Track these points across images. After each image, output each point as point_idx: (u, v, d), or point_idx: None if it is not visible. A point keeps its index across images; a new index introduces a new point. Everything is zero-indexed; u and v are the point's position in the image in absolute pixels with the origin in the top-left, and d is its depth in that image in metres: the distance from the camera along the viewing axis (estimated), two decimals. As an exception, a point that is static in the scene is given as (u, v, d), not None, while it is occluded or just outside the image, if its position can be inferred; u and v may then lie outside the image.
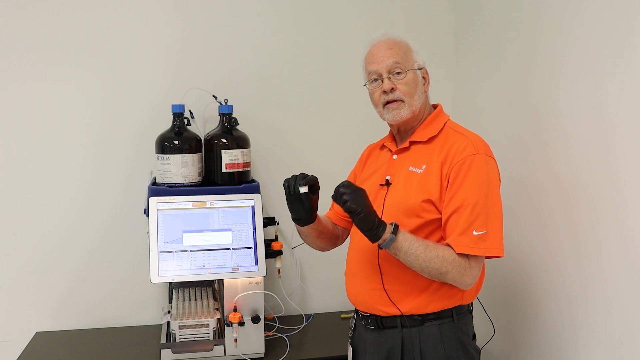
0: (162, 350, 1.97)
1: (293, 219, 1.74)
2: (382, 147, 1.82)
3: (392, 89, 1.65)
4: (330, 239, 1.87)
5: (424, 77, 1.71)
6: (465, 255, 1.55)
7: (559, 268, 1.83)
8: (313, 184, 1.65)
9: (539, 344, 1.95)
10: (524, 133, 2.01)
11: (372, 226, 1.52)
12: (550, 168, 1.87)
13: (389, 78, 1.66)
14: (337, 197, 1.52)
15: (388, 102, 1.67)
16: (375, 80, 1.69)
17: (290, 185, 1.63)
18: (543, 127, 1.90)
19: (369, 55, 1.71)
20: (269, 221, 2.22)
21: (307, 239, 1.84)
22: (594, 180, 1.67)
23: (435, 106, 1.77)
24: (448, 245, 1.56)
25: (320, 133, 2.48)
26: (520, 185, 2.01)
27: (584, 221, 1.72)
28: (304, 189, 1.60)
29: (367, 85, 1.73)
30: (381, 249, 1.56)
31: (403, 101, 1.66)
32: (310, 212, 1.70)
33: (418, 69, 1.69)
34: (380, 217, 1.64)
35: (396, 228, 1.54)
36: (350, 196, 1.50)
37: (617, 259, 1.60)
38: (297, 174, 1.65)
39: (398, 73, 1.65)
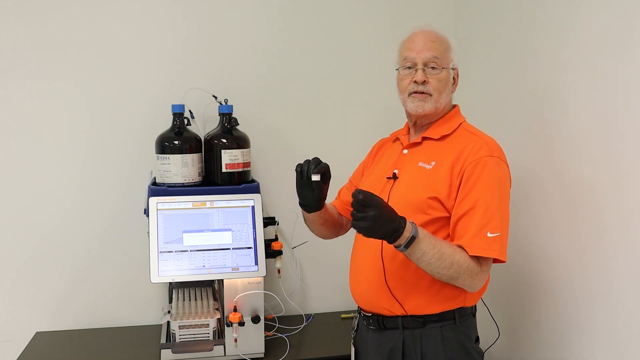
0: (162, 350, 1.97)
1: (300, 204, 1.73)
2: (395, 140, 1.81)
3: (425, 81, 1.64)
4: (334, 228, 1.87)
5: (454, 78, 1.71)
6: (477, 259, 1.53)
7: (565, 269, 1.81)
8: (325, 171, 1.64)
9: (544, 347, 1.93)
10: (526, 129, 2.00)
11: (387, 234, 1.44)
12: (554, 164, 1.84)
13: (424, 70, 1.64)
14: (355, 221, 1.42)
15: (415, 92, 1.65)
16: (409, 68, 1.67)
17: (303, 171, 1.62)
18: (546, 123, 1.88)
19: (408, 41, 1.69)
20: (269, 221, 2.22)
21: (311, 225, 1.84)
22: (601, 177, 1.64)
23: (454, 106, 1.76)
24: (460, 246, 1.54)
25: (321, 133, 2.48)
26: (524, 182, 1.99)
27: (591, 221, 1.69)
28: (316, 177, 1.59)
29: (399, 70, 1.71)
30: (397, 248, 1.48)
31: (431, 95, 1.64)
32: (319, 200, 1.69)
33: (452, 68, 1.68)
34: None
35: (415, 230, 1.46)
36: (364, 229, 1.42)
37: (624, 261, 1.57)
38: (311, 158, 1.63)
39: (433, 68, 1.64)
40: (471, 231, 1.53)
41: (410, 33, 1.70)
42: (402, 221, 1.45)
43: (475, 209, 1.53)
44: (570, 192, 1.78)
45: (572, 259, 1.78)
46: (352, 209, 1.43)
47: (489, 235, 1.52)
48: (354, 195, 1.41)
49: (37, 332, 2.27)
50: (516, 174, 1.99)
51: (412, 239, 1.46)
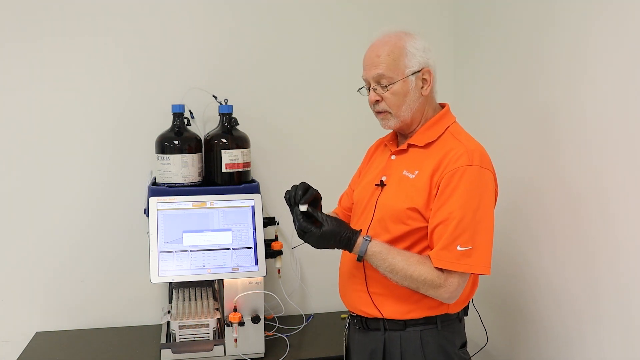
0: (162, 350, 1.97)
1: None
2: (385, 144, 1.79)
3: (377, 101, 1.62)
4: None
5: (424, 79, 1.62)
6: (441, 270, 1.51)
7: (565, 277, 1.79)
8: (313, 199, 1.62)
9: (539, 353, 1.93)
10: (527, 134, 1.99)
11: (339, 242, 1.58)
12: (557, 172, 1.82)
13: (375, 89, 1.61)
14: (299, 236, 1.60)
15: (376, 111, 1.65)
16: (368, 87, 1.65)
17: (291, 198, 1.61)
18: (550, 130, 1.86)
19: (363, 58, 1.66)
20: (269, 221, 2.22)
21: None
22: (611, 186, 1.59)
23: (443, 105, 1.70)
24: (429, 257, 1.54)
25: (321, 132, 2.48)
26: (524, 187, 1.98)
27: (597, 229, 1.64)
28: (303, 208, 1.58)
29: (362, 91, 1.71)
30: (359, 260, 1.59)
31: (390, 112, 1.62)
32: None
33: (412, 74, 1.59)
34: (371, 218, 1.64)
35: (366, 244, 1.56)
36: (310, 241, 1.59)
37: (635, 271, 1.53)
38: (297, 184, 1.62)
39: (384, 85, 1.60)
40: (441, 243, 1.51)
41: (367, 48, 1.67)
42: (351, 237, 1.57)
43: (448, 221, 1.50)
44: (574, 199, 1.74)
45: (575, 269, 1.75)
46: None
47: (459, 248, 1.49)
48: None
49: (37, 332, 2.27)
50: (513, 179, 1.98)
51: (360, 259, 1.57)
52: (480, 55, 2.33)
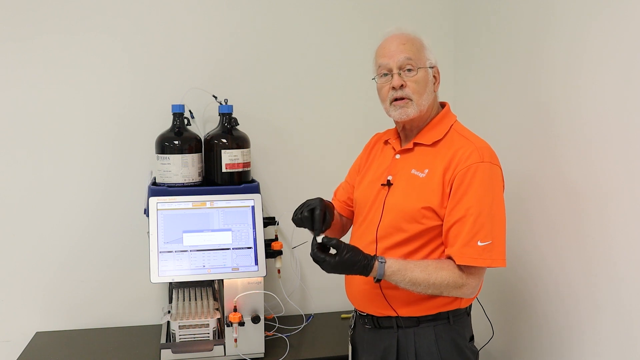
0: (162, 350, 1.97)
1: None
2: (386, 142, 1.79)
3: (402, 85, 1.61)
4: (337, 231, 1.87)
5: (434, 77, 1.67)
6: (461, 269, 1.53)
7: (565, 272, 1.80)
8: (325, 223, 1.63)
9: (541, 345, 1.94)
10: (527, 133, 1.99)
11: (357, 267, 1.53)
12: (557, 168, 1.83)
13: (399, 74, 1.62)
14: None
15: (396, 99, 1.63)
16: (385, 75, 1.64)
17: (306, 223, 1.61)
18: (549, 126, 1.87)
19: (380, 48, 1.67)
20: (269, 221, 2.22)
21: None
22: (610, 183, 1.61)
23: (442, 104, 1.72)
24: (449, 257, 1.55)
25: (321, 132, 2.48)
26: (525, 185, 1.98)
27: (595, 225, 1.66)
28: (319, 239, 1.56)
29: (376, 79, 1.69)
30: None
31: (411, 99, 1.62)
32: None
33: (430, 67, 1.65)
34: (380, 218, 1.64)
35: (381, 271, 1.52)
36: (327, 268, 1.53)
37: (631, 266, 1.54)
38: (311, 202, 1.63)
39: (409, 70, 1.61)
40: (461, 240, 1.52)
41: (381, 40, 1.69)
42: (368, 264, 1.52)
43: (466, 218, 1.52)
44: (573, 196, 1.75)
45: (573, 261, 1.76)
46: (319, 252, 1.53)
47: (480, 244, 1.51)
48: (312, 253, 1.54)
49: (37, 332, 2.27)
50: (516, 175, 1.99)
51: (378, 281, 1.54)
52: (480, 55, 2.33)
